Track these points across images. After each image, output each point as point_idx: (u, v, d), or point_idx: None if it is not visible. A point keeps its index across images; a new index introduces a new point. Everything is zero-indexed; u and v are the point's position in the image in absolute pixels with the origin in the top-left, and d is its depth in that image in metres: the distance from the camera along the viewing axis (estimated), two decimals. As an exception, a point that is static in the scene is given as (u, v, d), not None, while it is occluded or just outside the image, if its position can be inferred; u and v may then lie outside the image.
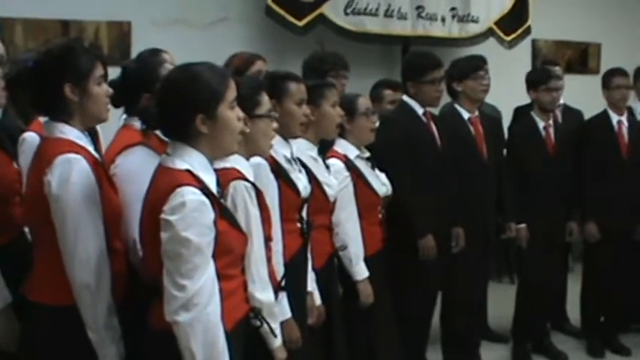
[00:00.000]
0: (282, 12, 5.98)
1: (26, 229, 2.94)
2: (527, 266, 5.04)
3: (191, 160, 2.34)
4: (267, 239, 2.74)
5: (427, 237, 4.22)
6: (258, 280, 2.61)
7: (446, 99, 4.70)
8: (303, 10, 6.06)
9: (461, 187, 4.44)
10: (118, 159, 2.80)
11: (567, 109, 5.63)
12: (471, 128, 4.65)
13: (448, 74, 4.60)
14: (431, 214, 4.24)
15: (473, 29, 6.89)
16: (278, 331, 2.72)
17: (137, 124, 2.61)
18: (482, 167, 4.63)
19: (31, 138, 3.00)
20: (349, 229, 3.67)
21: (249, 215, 2.59)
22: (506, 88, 5.70)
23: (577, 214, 5.08)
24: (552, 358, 5.13)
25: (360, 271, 3.71)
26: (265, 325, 2.63)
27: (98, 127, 3.03)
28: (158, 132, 2.51)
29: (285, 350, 2.76)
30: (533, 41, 7.73)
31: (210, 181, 2.37)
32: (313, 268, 3.34)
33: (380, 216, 3.95)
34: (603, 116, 5.18)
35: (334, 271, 3.68)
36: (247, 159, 2.77)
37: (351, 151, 3.83)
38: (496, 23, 7.03)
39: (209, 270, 2.26)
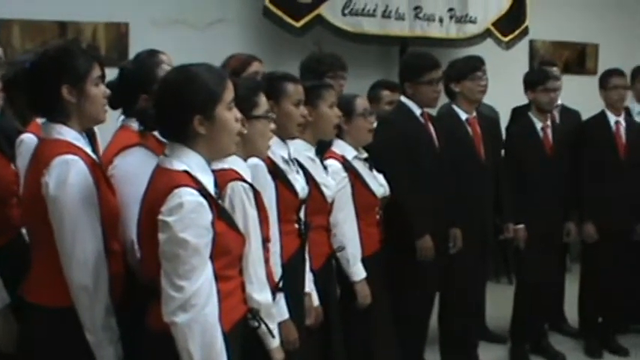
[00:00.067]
0: (279, 13, 5.99)
1: (24, 231, 2.94)
2: (525, 267, 5.04)
3: (189, 161, 2.34)
4: (265, 240, 2.74)
5: (425, 238, 4.22)
6: (255, 280, 2.61)
7: (443, 100, 4.71)
8: (300, 11, 6.07)
9: (459, 188, 4.44)
10: (115, 160, 2.79)
11: (565, 110, 5.64)
12: (469, 129, 4.65)
13: (446, 75, 4.60)
14: (428, 214, 4.24)
15: (470, 30, 6.90)
16: (276, 332, 2.72)
17: (135, 125, 2.61)
18: (479, 168, 4.64)
19: (28, 139, 3.00)
20: (347, 229, 3.67)
21: (246, 216, 2.59)
22: (503, 89, 5.71)
23: (575, 214, 5.08)
24: (550, 358, 5.13)
25: (358, 272, 3.71)
26: (263, 326, 2.63)
27: (96, 128, 3.03)
28: (156, 133, 2.51)
29: (283, 351, 2.76)
30: (531, 42, 7.74)
31: (208, 182, 2.37)
32: (311, 269, 3.34)
33: (377, 217, 3.95)
34: (601, 117, 5.18)
35: (332, 272, 3.68)
36: (245, 160, 2.77)
37: (349, 152, 3.83)
38: (494, 24, 7.04)
39: (207, 271, 2.26)
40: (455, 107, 4.70)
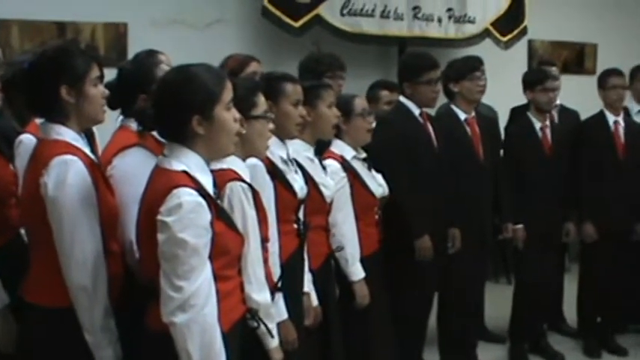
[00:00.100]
0: (278, 13, 5.99)
1: (22, 231, 2.94)
2: (524, 267, 5.04)
3: (187, 162, 2.34)
4: (264, 240, 2.74)
5: (423, 238, 4.22)
6: (254, 281, 2.61)
7: (442, 100, 4.71)
8: (299, 11, 6.07)
9: (457, 188, 4.45)
10: (114, 160, 2.79)
11: (564, 110, 5.64)
12: (468, 129, 4.66)
13: (444, 75, 4.61)
14: (427, 214, 4.24)
15: (469, 30, 6.90)
16: (275, 332, 2.72)
17: (133, 125, 2.61)
18: (478, 168, 4.64)
19: (27, 140, 3.00)
20: (346, 229, 3.67)
21: (245, 216, 2.59)
22: (502, 89, 5.72)
23: (574, 214, 5.08)
24: (549, 358, 5.13)
25: (357, 272, 3.70)
26: (262, 326, 2.63)
27: (94, 129, 3.03)
28: (155, 133, 2.51)
29: (282, 351, 2.76)
30: (530, 42, 7.74)
31: (207, 182, 2.37)
32: (310, 269, 3.34)
33: (376, 217, 3.95)
34: (599, 116, 5.18)
35: (331, 272, 3.68)
36: (243, 160, 2.77)
37: (348, 152, 3.83)
38: (492, 24, 7.04)
39: (206, 271, 2.26)
40: (454, 107, 4.70)
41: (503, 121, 5.87)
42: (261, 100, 2.83)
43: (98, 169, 2.62)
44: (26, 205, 2.62)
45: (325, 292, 3.50)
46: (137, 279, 2.61)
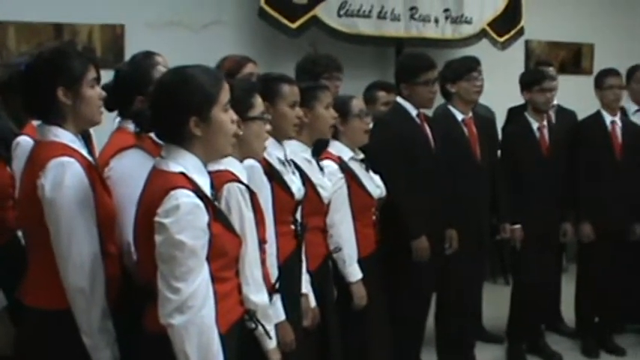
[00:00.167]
0: (275, 14, 5.98)
1: (20, 233, 2.94)
2: (521, 267, 5.04)
3: (185, 163, 2.34)
4: (262, 241, 2.74)
5: (421, 238, 4.22)
6: (252, 282, 2.61)
7: (439, 100, 4.71)
8: (296, 12, 6.06)
9: (455, 189, 4.44)
10: (111, 162, 2.79)
11: (561, 110, 5.64)
12: (465, 129, 4.65)
13: (442, 75, 4.60)
14: (425, 215, 4.24)
15: (466, 30, 6.90)
16: (273, 333, 2.72)
17: (131, 126, 2.61)
18: (476, 168, 4.64)
19: (24, 142, 3.00)
20: (343, 230, 3.67)
21: (243, 217, 2.59)
22: (499, 89, 5.73)
23: (571, 214, 5.08)
24: (547, 358, 5.13)
25: (354, 273, 3.71)
26: (260, 328, 2.63)
27: (91, 130, 3.03)
28: (152, 135, 2.50)
29: (280, 352, 2.76)
30: (527, 42, 7.75)
31: (204, 184, 2.37)
32: (308, 270, 3.34)
33: (374, 218, 3.95)
34: (597, 117, 5.19)
35: (329, 273, 3.68)
36: (241, 161, 2.77)
37: (345, 153, 3.83)
38: (489, 24, 7.04)
39: (203, 273, 2.26)
40: (451, 108, 4.70)
41: (500, 122, 5.87)
42: (258, 101, 2.83)
43: (95, 171, 2.61)
44: (23, 207, 2.62)
45: (323, 294, 3.50)
46: (134, 281, 2.61)
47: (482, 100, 5.05)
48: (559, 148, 5.01)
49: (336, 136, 3.79)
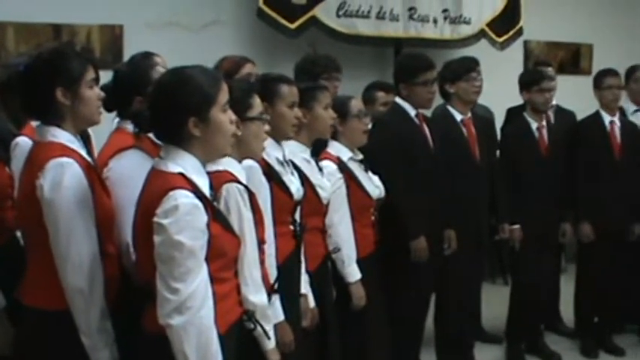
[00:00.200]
0: (274, 14, 5.98)
1: (18, 234, 2.94)
2: (520, 267, 5.04)
3: (184, 163, 2.34)
4: (260, 242, 2.74)
5: (419, 239, 4.21)
6: (251, 282, 2.61)
7: (438, 101, 4.71)
8: (295, 13, 6.06)
9: (453, 189, 4.44)
10: (110, 162, 2.79)
11: (560, 110, 5.63)
12: (464, 130, 4.65)
13: (440, 76, 4.60)
14: (423, 215, 4.24)
15: (465, 31, 6.90)
16: (272, 334, 2.72)
17: (130, 127, 2.61)
18: (474, 169, 4.64)
19: (23, 142, 3.00)
20: (342, 231, 3.67)
21: (242, 218, 2.59)
22: (498, 90, 5.72)
23: (570, 214, 5.08)
24: (546, 358, 5.13)
25: (353, 273, 3.70)
26: (259, 328, 2.63)
27: (90, 131, 3.03)
28: (151, 135, 2.51)
29: (279, 353, 2.76)
30: (525, 42, 7.75)
31: (203, 184, 2.37)
32: (307, 271, 3.34)
33: (373, 218, 3.95)
34: (596, 117, 5.19)
35: (328, 274, 3.68)
36: (239, 161, 2.77)
37: (344, 153, 3.83)
38: (488, 25, 7.04)
39: (202, 273, 2.26)
40: (450, 108, 4.70)
41: (499, 122, 5.88)
42: (256, 101, 2.83)
43: (94, 172, 2.61)
44: (22, 208, 2.62)
45: (322, 294, 3.50)
46: (133, 281, 2.61)
47: (481, 100, 5.05)
48: (558, 148, 5.01)
49: (335, 137, 3.79)
